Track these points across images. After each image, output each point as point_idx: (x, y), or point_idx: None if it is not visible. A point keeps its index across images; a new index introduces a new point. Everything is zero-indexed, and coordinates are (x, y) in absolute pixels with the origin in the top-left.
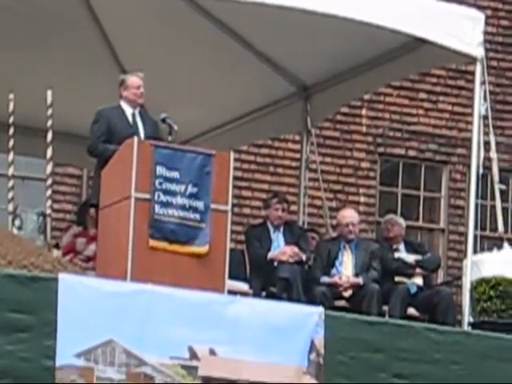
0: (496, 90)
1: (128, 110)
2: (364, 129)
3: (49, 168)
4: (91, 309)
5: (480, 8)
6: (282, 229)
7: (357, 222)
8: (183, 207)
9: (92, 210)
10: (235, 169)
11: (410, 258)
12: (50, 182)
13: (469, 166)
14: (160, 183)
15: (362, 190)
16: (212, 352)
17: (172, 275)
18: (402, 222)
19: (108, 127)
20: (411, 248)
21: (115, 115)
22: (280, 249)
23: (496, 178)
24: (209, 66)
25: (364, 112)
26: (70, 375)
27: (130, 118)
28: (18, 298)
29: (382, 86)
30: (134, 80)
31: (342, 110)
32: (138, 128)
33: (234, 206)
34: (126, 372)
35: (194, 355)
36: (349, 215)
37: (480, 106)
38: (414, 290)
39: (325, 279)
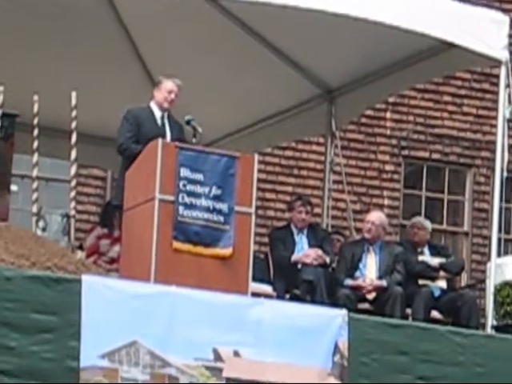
0: None
1: (157, 112)
2: (388, 131)
3: (73, 169)
4: (115, 310)
5: (505, 11)
6: (305, 231)
7: (379, 224)
8: (207, 209)
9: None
10: (259, 171)
11: (434, 261)
12: (74, 183)
13: (493, 169)
14: (184, 185)
15: (386, 193)
16: (236, 354)
17: (196, 277)
18: (429, 225)
19: (137, 127)
20: (435, 251)
21: (144, 116)
22: (304, 251)
23: None
24: (233, 67)
25: (388, 115)
26: (94, 376)
27: (159, 121)
28: (42, 300)
29: (406, 89)
30: (167, 84)
31: (367, 113)
32: (166, 130)
33: (257, 208)
34: (151, 373)
35: (218, 357)
36: (373, 215)
37: (504, 109)
38: (437, 293)
39: (348, 282)
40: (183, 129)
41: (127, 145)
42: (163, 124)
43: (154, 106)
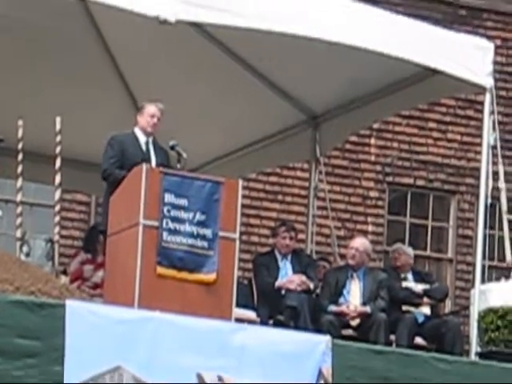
0: (505, 120)
1: (141, 138)
2: (373, 158)
3: (57, 194)
4: (99, 335)
5: (489, 38)
6: (289, 257)
7: (363, 250)
8: (191, 235)
9: (102, 237)
10: (243, 197)
11: (418, 287)
12: (58, 208)
13: (477, 196)
14: (168, 210)
15: (370, 219)
16: (220, 379)
17: (180, 303)
18: (410, 251)
19: (121, 153)
20: (419, 277)
21: (128, 141)
22: (288, 277)
23: (504, 207)
24: (219, 93)
25: (373, 141)
26: None
27: (144, 146)
28: (26, 324)
29: (391, 115)
30: (150, 108)
31: (351, 139)
32: (151, 156)
33: (242, 233)
34: None
35: (202, 382)
36: (357, 241)
37: (489, 135)
38: (421, 319)
39: (332, 308)
40: (168, 154)
41: (111, 170)
42: (148, 149)
43: (138, 131)
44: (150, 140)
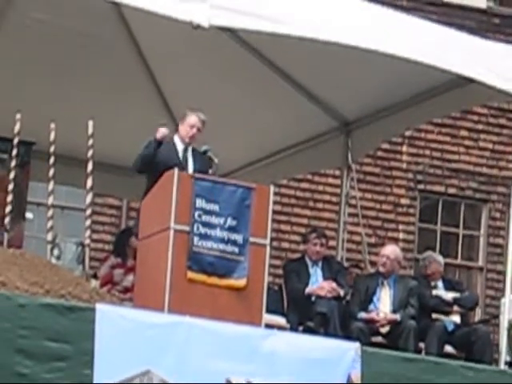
0: None
1: (179, 145)
2: (404, 165)
3: (89, 198)
4: (128, 339)
5: None
6: (320, 264)
7: (394, 258)
8: (222, 240)
9: (132, 241)
10: (275, 203)
11: (448, 295)
12: (89, 212)
13: (509, 205)
14: (199, 215)
15: (401, 227)
16: None
17: (210, 308)
18: (441, 259)
19: (157, 156)
20: (449, 286)
21: (166, 148)
22: (318, 284)
23: None
24: (251, 99)
25: (405, 149)
26: None
27: (181, 153)
28: (56, 328)
29: (423, 123)
30: (191, 118)
31: (383, 146)
32: (188, 164)
33: (272, 239)
34: None
35: None
36: (388, 249)
37: None
38: (451, 327)
39: (362, 315)
40: (208, 164)
41: (137, 157)
42: (185, 157)
43: (177, 138)
44: (190, 148)
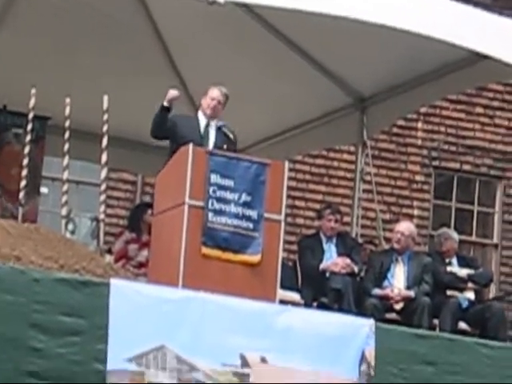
0: None
1: (202, 120)
2: (419, 142)
3: (103, 173)
4: (143, 314)
5: None
6: (334, 240)
7: (408, 234)
8: (236, 215)
9: (147, 216)
10: (289, 179)
11: (463, 272)
12: (104, 187)
13: None
14: (214, 191)
15: (415, 203)
16: (263, 360)
17: (224, 283)
18: (456, 236)
19: (175, 126)
20: (464, 262)
21: (187, 121)
22: (332, 260)
23: None
24: (266, 75)
25: (420, 125)
26: (121, 379)
27: (202, 128)
28: (70, 302)
29: (438, 100)
30: (211, 91)
31: (398, 123)
32: (209, 139)
33: (287, 215)
34: (178, 377)
35: (245, 363)
36: (402, 225)
37: None
38: (465, 304)
39: (376, 291)
40: (232, 140)
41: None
42: (206, 132)
43: (200, 113)
44: (213, 123)
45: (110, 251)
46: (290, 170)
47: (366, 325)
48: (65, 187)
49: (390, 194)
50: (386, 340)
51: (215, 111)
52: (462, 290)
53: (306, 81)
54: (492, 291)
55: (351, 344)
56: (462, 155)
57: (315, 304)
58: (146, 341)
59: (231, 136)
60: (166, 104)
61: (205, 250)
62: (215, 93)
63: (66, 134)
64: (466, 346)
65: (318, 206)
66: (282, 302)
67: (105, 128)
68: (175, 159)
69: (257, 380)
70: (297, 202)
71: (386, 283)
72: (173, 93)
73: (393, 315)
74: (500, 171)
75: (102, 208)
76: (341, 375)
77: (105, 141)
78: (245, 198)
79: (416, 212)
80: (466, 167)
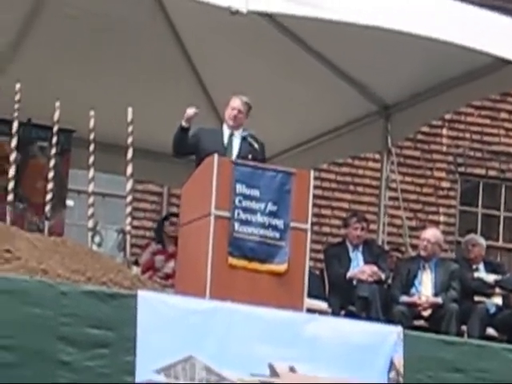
0: None
1: (226, 131)
2: (444, 148)
3: (129, 185)
4: (170, 326)
5: None
6: (361, 248)
7: (434, 241)
8: (263, 225)
9: (170, 228)
10: (315, 187)
11: (490, 277)
12: (130, 199)
13: None
14: (240, 201)
15: (442, 210)
16: (292, 369)
17: (251, 293)
18: (483, 242)
19: (198, 141)
20: (491, 268)
21: (210, 134)
22: (359, 268)
23: None
24: (290, 84)
25: (445, 131)
26: None
27: (226, 139)
28: (98, 315)
29: (463, 106)
30: (233, 100)
31: (423, 130)
32: (232, 149)
33: (313, 224)
34: None
35: (274, 372)
36: (429, 232)
37: None
38: (493, 309)
39: (404, 298)
40: (257, 149)
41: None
42: (230, 142)
43: (224, 126)
44: (237, 133)
45: (136, 263)
46: (316, 178)
47: (394, 332)
48: (91, 200)
49: (416, 201)
50: (414, 347)
51: (237, 121)
52: (489, 295)
53: (330, 89)
54: None
55: (379, 352)
56: (487, 161)
57: (343, 312)
58: (174, 352)
59: (256, 145)
60: (184, 124)
61: (231, 261)
62: (236, 103)
63: (91, 147)
64: (494, 352)
65: (344, 215)
66: (310, 310)
67: (129, 140)
68: (200, 170)
69: None
70: (323, 211)
71: (413, 290)
72: (190, 112)
73: (421, 322)
74: None
75: (128, 220)
76: (370, 383)
77: (130, 153)
78: (271, 207)
79: (442, 218)
80: (492, 173)
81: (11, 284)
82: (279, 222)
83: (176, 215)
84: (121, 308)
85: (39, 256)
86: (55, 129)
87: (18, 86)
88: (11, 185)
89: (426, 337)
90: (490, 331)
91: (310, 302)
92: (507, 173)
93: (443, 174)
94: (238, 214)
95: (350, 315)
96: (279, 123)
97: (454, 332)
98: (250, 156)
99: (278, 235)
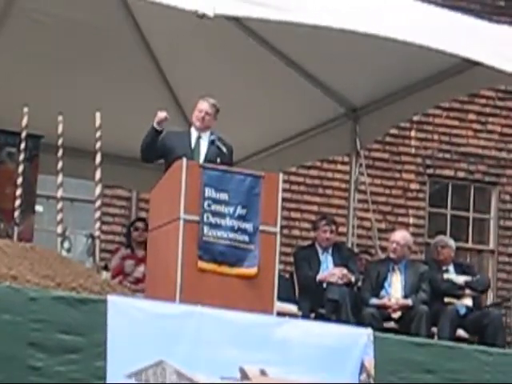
0: None
1: (194, 134)
2: (413, 150)
3: (98, 190)
4: (141, 330)
5: None
6: (330, 250)
7: (404, 243)
8: (232, 229)
9: (135, 233)
10: (284, 190)
11: (460, 279)
12: (98, 203)
13: None
14: (209, 205)
15: (411, 212)
16: (263, 372)
17: (221, 297)
18: (453, 243)
19: (165, 144)
20: (460, 269)
21: (178, 136)
22: (329, 270)
23: None
24: (258, 87)
25: (413, 133)
26: None
27: (193, 142)
28: (67, 320)
29: (431, 108)
30: (199, 103)
31: (391, 132)
32: (200, 152)
33: (282, 227)
34: None
35: (244, 376)
36: (397, 235)
37: None
38: (463, 311)
39: (374, 301)
40: (225, 153)
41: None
42: (197, 145)
43: (192, 128)
44: (205, 136)
45: (106, 268)
46: (285, 181)
47: (365, 334)
48: (59, 205)
49: (385, 203)
50: (384, 349)
51: (204, 123)
52: (459, 297)
53: (298, 92)
54: (489, 297)
55: (350, 354)
56: (456, 162)
57: (313, 315)
58: (144, 356)
59: (224, 149)
60: (156, 126)
61: (201, 264)
62: (203, 105)
63: (60, 152)
64: (465, 353)
65: (313, 217)
66: (280, 313)
67: (98, 145)
68: (169, 174)
69: None
70: (292, 214)
71: (383, 292)
72: (161, 115)
73: (391, 324)
74: (494, 177)
75: (98, 225)
76: None
77: (98, 158)
78: (240, 211)
79: (411, 220)
80: (461, 174)
81: None
82: (248, 226)
83: (142, 220)
84: (91, 313)
85: (8, 262)
86: (23, 134)
87: None
88: None
89: (397, 339)
90: (461, 332)
91: (280, 306)
92: (476, 174)
93: (412, 176)
94: (208, 218)
95: (320, 318)
96: (247, 126)
97: (424, 334)
98: (218, 160)
99: (247, 239)
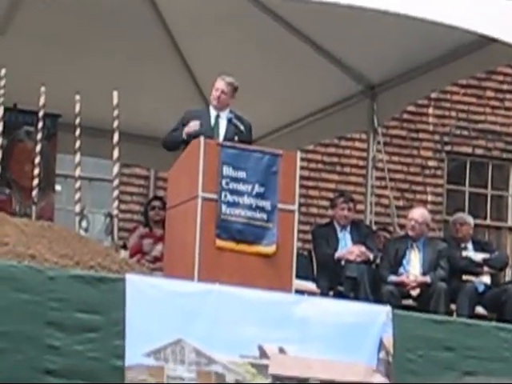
0: None
1: (212, 112)
2: (431, 127)
3: (116, 169)
4: (159, 309)
5: None
6: (348, 228)
7: (422, 221)
8: (250, 207)
9: (151, 212)
10: (302, 168)
11: (478, 256)
12: (116, 182)
13: None
14: (227, 183)
15: (429, 189)
16: (281, 350)
17: (239, 275)
18: (471, 220)
19: (187, 125)
20: (479, 246)
21: (198, 115)
22: (347, 248)
23: None
24: (276, 65)
25: (431, 111)
26: (139, 374)
27: (213, 120)
28: (86, 299)
29: (448, 85)
30: (216, 81)
31: (409, 109)
32: (219, 130)
33: (300, 205)
34: (197, 370)
35: (263, 354)
36: (415, 212)
37: None
38: (481, 288)
39: (392, 278)
40: (242, 131)
41: (165, 137)
42: (216, 124)
43: (211, 107)
44: (223, 115)
45: (124, 247)
46: (302, 159)
47: (383, 312)
48: (77, 184)
49: (403, 181)
50: (403, 326)
51: (220, 102)
52: (477, 274)
53: (316, 70)
54: (508, 274)
55: (369, 332)
56: (474, 139)
57: (331, 293)
58: (163, 335)
59: (242, 127)
60: (184, 137)
61: (219, 243)
62: (219, 83)
63: (77, 131)
64: (483, 330)
65: (331, 195)
66: (298, 291)
67: (115, 124)
68: (187, 152)
69: (275, 371)
70: (310, 192)
71: (401, 270)
72: (192, 125)
73: (409, 301)
74: None
75: (116, 204)
76: (360, 363)
77: (116, 136)
78: (258, 189)
79: (430, 198)
80: (479, 151)
81: None
82: (266, 204)
83: (159, 198)
84: (109, 292)
85: (27, 241)
86: (41, 113)
87: (3, 71)
88: None
89: (415, 316)
90: (479, 310)
91: (298, 283)
92: (494, 151)
93: (430, 153)
94: (225, 196)
95: (339, 296)
96: (264, 105)
97: (442, 311)
98: (236, 138)
99: (265, 217)
